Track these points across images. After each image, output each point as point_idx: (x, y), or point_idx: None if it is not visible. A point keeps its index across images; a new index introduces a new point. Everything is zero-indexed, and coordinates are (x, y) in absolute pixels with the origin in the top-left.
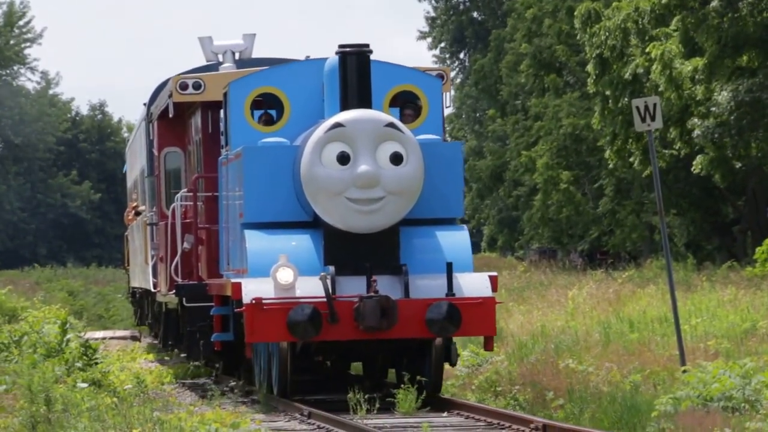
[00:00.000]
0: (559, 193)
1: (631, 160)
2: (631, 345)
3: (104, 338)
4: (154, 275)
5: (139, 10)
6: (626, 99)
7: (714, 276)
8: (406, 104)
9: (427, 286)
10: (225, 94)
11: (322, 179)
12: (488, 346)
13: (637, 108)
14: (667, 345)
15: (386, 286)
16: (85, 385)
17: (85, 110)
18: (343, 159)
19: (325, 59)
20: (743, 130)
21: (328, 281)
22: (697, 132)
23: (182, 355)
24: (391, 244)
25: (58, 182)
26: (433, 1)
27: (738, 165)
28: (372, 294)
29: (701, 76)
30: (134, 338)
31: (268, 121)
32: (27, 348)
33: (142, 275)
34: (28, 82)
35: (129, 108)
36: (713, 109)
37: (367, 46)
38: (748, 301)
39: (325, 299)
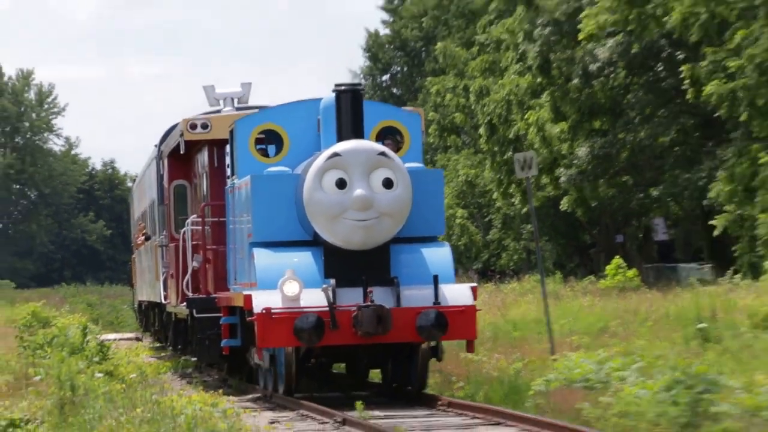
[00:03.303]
0: (457, 227)
1: (513, 200)
2: (515, 340)
3: (115, 339)
4: (165, 289)
5: (139, 87)
6: (510, 153)
7: (576, 287)
8: (387, 137)
9: (417, 296)
10: (231, 131)
11: (323, 202)
12: (470, 348)
13: (518, 160)
14: (541, 340)
15: (380, 296)
16: (100, 375)
17: (99, 165)
18: (341, 184)
19: (319, 99)
20: (598, 177)
21: (330, 292)
22: (563, 178)
23: (193, 359)
24: (383, 260)
25: (79, 221)
26: (363, 80)
27: (593, 203)
28: (368, 303)
29: (566, 136)
30: (138, 339)
31: (264, 155)
32: (56, 347)
33: (150, 290)
34: (55, 145)
35: (133, 164)
36: (575, 161)
37: (360, 85)
38: (602, 306)
39: (327, 308)
